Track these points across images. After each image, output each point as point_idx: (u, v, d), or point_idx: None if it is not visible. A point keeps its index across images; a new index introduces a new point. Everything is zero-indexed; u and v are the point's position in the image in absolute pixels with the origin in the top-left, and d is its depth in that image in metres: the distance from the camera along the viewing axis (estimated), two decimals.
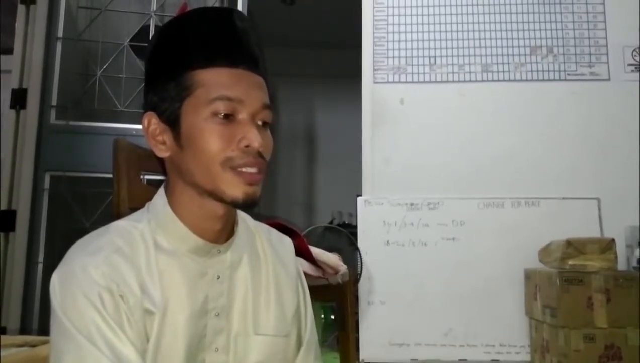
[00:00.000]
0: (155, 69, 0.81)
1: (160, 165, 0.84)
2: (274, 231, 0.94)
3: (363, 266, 2.10)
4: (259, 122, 0.78)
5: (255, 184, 0.76)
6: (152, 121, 0.79)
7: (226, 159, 0.74)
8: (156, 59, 0.82)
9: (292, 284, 0.90)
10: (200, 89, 0.75)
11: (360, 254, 2.10)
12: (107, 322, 0.70)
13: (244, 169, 0.75)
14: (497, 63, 2.27)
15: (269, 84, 0.82)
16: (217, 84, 0.75)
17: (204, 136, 0.74)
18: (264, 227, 0.93)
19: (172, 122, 0.77)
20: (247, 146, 0.75)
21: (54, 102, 2.31)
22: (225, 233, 0.82)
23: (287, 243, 0.95)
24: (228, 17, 0.80)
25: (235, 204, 0.76)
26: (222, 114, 0.74)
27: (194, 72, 0.76)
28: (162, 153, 0.79)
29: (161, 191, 0.82)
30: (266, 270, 0.87)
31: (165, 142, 0.79)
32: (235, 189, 0.75)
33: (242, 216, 0.88)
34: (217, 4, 2.42)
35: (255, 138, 0.75)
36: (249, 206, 0.76)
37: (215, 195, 0.76)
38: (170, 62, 0.78)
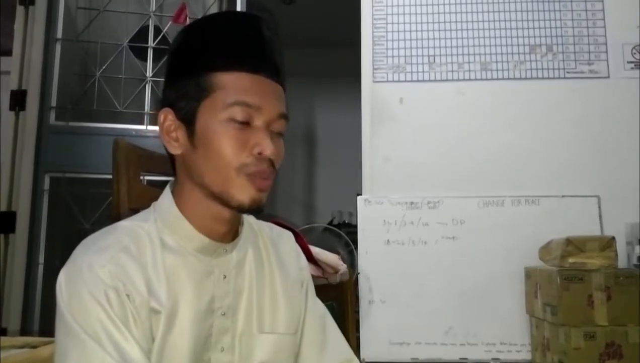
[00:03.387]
0: (176, 67, 0.81)
1: (170, 163, 0.84)
2: (275, 227, 0.96)
3: (361, 266, 2.10)
4: (274, 131, 0.78)
5: (263, 191, 0.77)
6: (168, 117, 0.79)
7: (241, 166, 0.75)
8: (178, 57, 0.82)
9: (296, 279, 0.91)
10: (219, 92, 0.76)
11: (356, 255, 2.10)
12: (113, 321, 0.70)
13: (256, 177, 0.75)
14: (496, 61, 2.27)
15: (287, 93, 0.82)
16: (236, 89, 0.75)
17: (218, 138, 0.75)
18: (265, 224, 0.94)
19: (188, 120, 0.78)
20: (259, 154, 0.75)
21: (54, 103, 2.31)
22: (231, 234, 0.83)
23: (287, 236, 0.96)
24: (255, 24, 0.80)
25: (240, 209, 0.77)
26: (240, 118, 0.75)
27: (215, 74, 0.76)
28: (175, 149, 0.80)
29: (167, 191, 0.83)
30: (270, 268, 0.87)
31: (178, 139, 0.79)
32: (244, 194, 0.75)
33: (245, 216, 0.88)
34: (216, 4, 2.42)
35: (268, 146, 0.75)
36: (254, 211, 0.78)
37: (222, 199, 0.76)
38: (192, 61, 0.79)
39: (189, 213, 0.79)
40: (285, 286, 0.87)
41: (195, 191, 0.78)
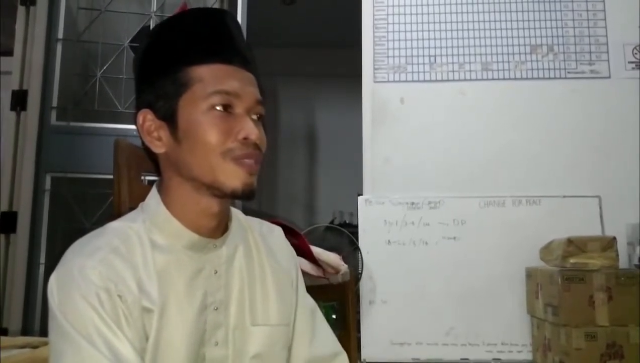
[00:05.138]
0: (149, 68, 0.82)
1: (153, 163, 0.85)
2: (265, 223, 0.96)
3: (364, 266, 2.10)
4: (254, 117, 0.80)
5: (253, 175, 0.78)
6: (147, 118, 0.80)
7: (227, 151, 0.76)
8: (150, 57, 0.83)
9: (287, 272, 0.92)
10: (198, 85, 0.77)
11: (361, 254, 2.10)
12: (106, 322, 0.70)
13: (244, 160, 0.76)
14: (497, 62, 2.27)
15: (259, 82, 0.84)
16: (214, 79, 0.77)
17: (203, 128, 0.76)
18: (254, 220, 0.94)
19: (169, 117, 0.78)
20: (245, 138, 0.76)
21: (55, 103, 2.32)
22: (220, 229, 0.83)
23: (277, 232, 0.97)
24: (220, 17, 0.83)
25: (234, 195, 0.78)
26: (220, 106, 0.76)
27: (190, 69, 0.78)
28: (158, 148, 0.80)
29: (154, 191, 0.83)
30: (260, 262, 0.88)
31: (161, 138, 0.80)
32: (235, 179, 0.76)
33: (235, 212, 0.89)
34: (217, 4, 2.42)
35: (252, 131, 0.77)
36: (248, 197, 0.78)
37: (214, 188, 0.77)
38: (165, 59, 0.80)
39: (177, 210, 0.80)
40: (276, 278, 0.88)
41: (184, 187, 0.79)
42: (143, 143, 0.82)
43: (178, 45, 0.80)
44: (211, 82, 0.77)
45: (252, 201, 0.80)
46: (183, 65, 0.78)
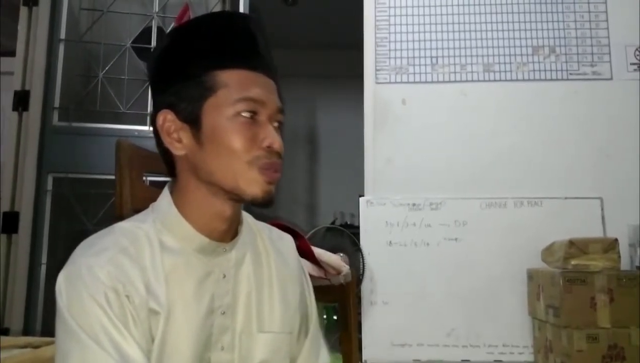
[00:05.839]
0: (170, 69, 0.82)
1: (166, 165, 0.84)
2: (274, 229, 0.96)
3: (365, 267, 2.10)
4: (275, 124, 0.80)
5: (273, 183, 0.79)
6: (168, 118, 0.80)
7: (253, 159, 0.76)
8: (172, 59, 0.82)
9: (295, 280, 0.92)
10: (223, 90, 0.77)
11: (362, 255, 2.10)
12: (113, 322, 0.70)
13: (268, 169, 0.77)
14: (499, 63, 2.27)
15: (279, 89, 0.84)
16: (240, 86, 0.77)
17: (228, 134, 0.76)
18: (264, 225, 0.94)
19: (193, 120, 0.78)
20: (269, 146, 0.77)
21: (57, 104, 2.32)
22: (231, 233, 0.83)
23: (287, 239, 0.97)
24: (245, 23, 0.83)
25: (254, 203, 0.78)
26: (247, 113, 0.77)
27: (216, 73, 0.78)
28: (178, 150, 0.80)
29: (166, 191, 0.83)
30: (268, 268, 0.88)
31: (181, 140, 0.79)
32: (256, 187, 0.77)
33: (244, 216, 0.89)
34: (219, 5, 2.43)
35: (276, 139, 0.78)
36: (267, 204, 0.78)
37: (233, 193, 0.77)
38: (190, 62, 0.79)
39: (190, 213, 0.79)
40: (282, 286, 0.88)
41: (201, 189, 0.79)
42: (160, 144, 0.82)
43: (204, 48, 0.79)
44: (236, 88, 0.77)
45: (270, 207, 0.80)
46: (208, 69, 0.78)
